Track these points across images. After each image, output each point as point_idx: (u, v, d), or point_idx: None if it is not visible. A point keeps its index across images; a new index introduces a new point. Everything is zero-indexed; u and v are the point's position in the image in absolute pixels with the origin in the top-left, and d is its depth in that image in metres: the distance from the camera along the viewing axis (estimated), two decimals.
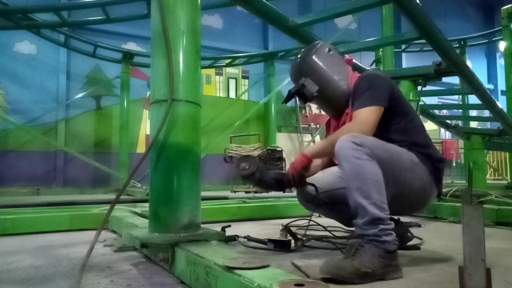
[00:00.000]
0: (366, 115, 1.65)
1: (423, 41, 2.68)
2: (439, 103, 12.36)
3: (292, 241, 2.00)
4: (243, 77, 11.39)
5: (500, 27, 6.02)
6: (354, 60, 2.04)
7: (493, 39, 10.96)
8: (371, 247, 1.41)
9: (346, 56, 1.95)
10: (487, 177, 7.54)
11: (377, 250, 1.41)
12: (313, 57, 1.84)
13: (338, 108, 1.86)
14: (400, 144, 1.67)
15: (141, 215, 2.62)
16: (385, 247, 1.41)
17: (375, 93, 1.68)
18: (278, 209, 3.48)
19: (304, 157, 1.73)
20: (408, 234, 1.88)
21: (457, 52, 3.82)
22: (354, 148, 1.46)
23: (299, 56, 1.91)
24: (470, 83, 3.19)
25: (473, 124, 9.70)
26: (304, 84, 1.81)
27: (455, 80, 4.94)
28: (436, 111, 5.29)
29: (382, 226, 1.42)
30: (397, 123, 1.74)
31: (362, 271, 1.37)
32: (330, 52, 1.87)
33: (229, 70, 11.07)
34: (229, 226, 1.97)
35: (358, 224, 1.46)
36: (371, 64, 8.53)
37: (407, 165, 1.61)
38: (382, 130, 1.68)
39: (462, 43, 10.17)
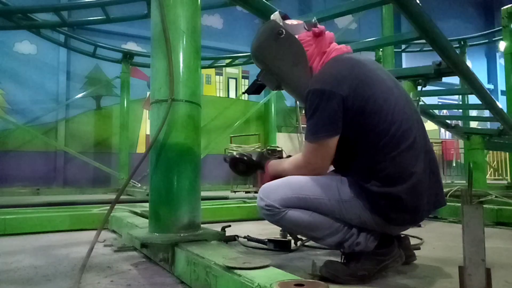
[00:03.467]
0: (312, 156, 1.44)
1: (423, 41, 2.68)
2: (439, 103, 12.35)
3: (292, 241, 2.00)
4: (243, 77, 11.39)
5: (500, 27, 6.01)
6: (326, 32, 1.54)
7: (493, 39, 10.94)
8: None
9: (315, 28, 1.51)
10: (487, 177, 7.53)
11: (368, 254, 1.42)
12: (260, 48, 1.54)
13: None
14: (345, 168, 1.45)
15: (141, 215, 2.62)
16: (368, 252, 1.41)
17: (319, 122, 1.37)
18: None
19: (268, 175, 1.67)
20: (411, 254, 1.65)
21: (457, 52, 3.82)
22: (266, 213, 1.45)
23: (253, 40, 1.59)
24: (470, 83, 3.18)
25: (473, 124, 9.68)
26: (260, 80, 1.60)
27: (455, 80, 4.93)
28: (436, 111, 5.28)
29: (345, 245, 1.43)
30: (349, 141, 1.40)
31: (359, 274, 1.38)
32: (282, 36, 1.49)
33: (229, 70, 11.06)
34: (229, 226, 1.97)
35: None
36: None
37: (333, 206, 1.40)
38: (339, 150, 1.43)
39: (462, 43, 10.16)
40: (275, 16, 1.56)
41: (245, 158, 1.78)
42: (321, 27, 1.51)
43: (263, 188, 1.48)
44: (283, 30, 1.50)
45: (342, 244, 1.43)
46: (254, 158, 1.79)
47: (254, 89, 1.70)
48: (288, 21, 1.57)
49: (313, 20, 1.54)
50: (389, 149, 1.35)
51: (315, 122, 1.38)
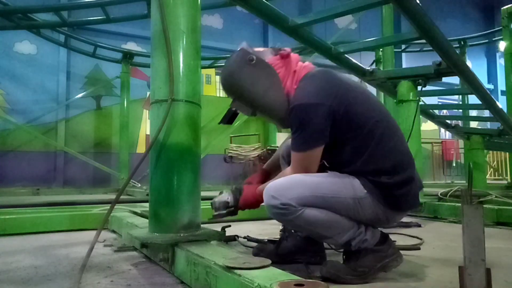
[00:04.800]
0: (301, 165, 1.47)
1: (423, 41, 2.68)
2: (439, 103, 12.35)
3: None
4: None
5: (500, 27, 6.02)
6: (292, 54, 1.60)
7: (493, 39, 10.94)
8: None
9: (282, 51, 1.56)
10: (487, 177, 7.53)
11: (367, 250, 1.43)
12: (234, 76, 1.54)
13: (283, 121, 1.58)
14: (350, 169, 1.46)
15: (141, 215, 2.62)
16: (367, 248, 1.44)
17: (307, 134, 1.42)
18: None
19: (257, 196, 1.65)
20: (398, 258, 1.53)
21: (457, 52, 3.82)
22: (279, 212, 1.39)
23: (222, 70, 1.62)
24: (470, 83, 3.19)
25: (473, 124, 9.69)
26: (235, 109, 1.60)
27: (455, 80, 4.93)
28: (436, 111, 5.28)
29: (353, 243, 1.44)
30: (346, 144, 1.45)
31: (359, 270, 1.39)
32: (253, 62, 1.52)
33: None
34: (229, 226, 1.97)
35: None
36: (371, 64, 8.53)
37: (349, 204, 1.41)
38: (332, 154, 1.48)
39: (462, 43, 10.14)
40: (243, 45, 1.59)
41: (224, 212, 1.74)
42: (287, 49, 1.57)
43: (273, 186, 1.43)
44: (254, 57, 1.52)
45: (350, 242, 1.43)
46: (231, 200, 1.73)
47: (229, 118, 1.67)
48: (255, 49, 1.60)
49: (277, 46, 1.61)
50: (385, 142, 1.45)
51: (303, 134, 1.43)
